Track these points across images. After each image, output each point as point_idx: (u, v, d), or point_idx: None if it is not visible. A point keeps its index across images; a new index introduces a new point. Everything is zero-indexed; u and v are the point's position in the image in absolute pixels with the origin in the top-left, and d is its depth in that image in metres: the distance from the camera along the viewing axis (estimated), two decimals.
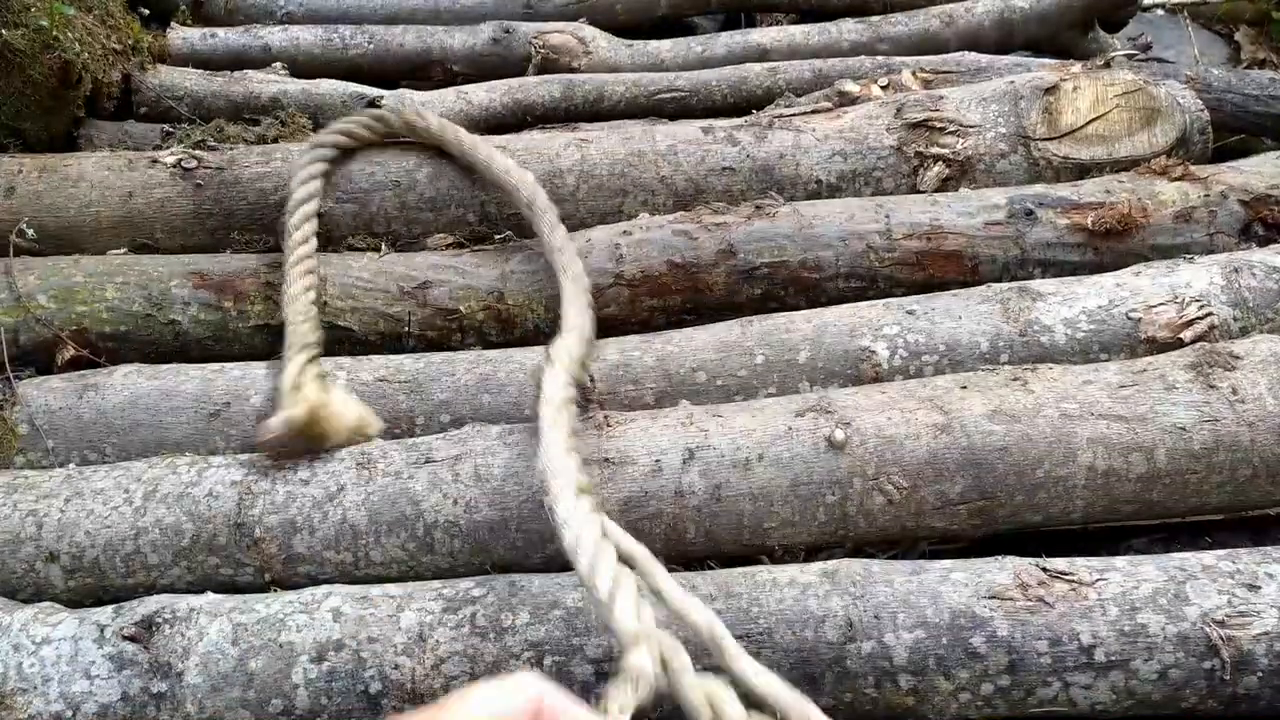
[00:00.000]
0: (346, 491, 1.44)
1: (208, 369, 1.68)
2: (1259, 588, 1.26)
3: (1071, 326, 1.63)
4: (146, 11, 2.84)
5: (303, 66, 2.68)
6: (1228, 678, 1.23)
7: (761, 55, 2.77)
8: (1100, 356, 1.61)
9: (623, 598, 1.05)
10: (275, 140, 2.26)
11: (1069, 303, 1.65)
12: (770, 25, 3.09)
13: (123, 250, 1.96)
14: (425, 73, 2.81)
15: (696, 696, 0.96)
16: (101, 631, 1.30)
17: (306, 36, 2.77)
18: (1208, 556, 1.32)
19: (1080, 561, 1.32)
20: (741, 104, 2.52)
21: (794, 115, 2.12)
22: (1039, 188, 1.91)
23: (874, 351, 1.63)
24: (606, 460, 1.43)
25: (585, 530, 1.14)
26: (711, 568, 1.44)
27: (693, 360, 1.65)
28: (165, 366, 1.69)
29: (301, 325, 1.63)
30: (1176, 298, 1.64)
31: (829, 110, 2.16)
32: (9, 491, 1.47)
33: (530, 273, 1.82)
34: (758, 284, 1.82)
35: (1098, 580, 1.28)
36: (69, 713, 1.26)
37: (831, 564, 1.34)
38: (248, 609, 1.32)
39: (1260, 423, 1.41)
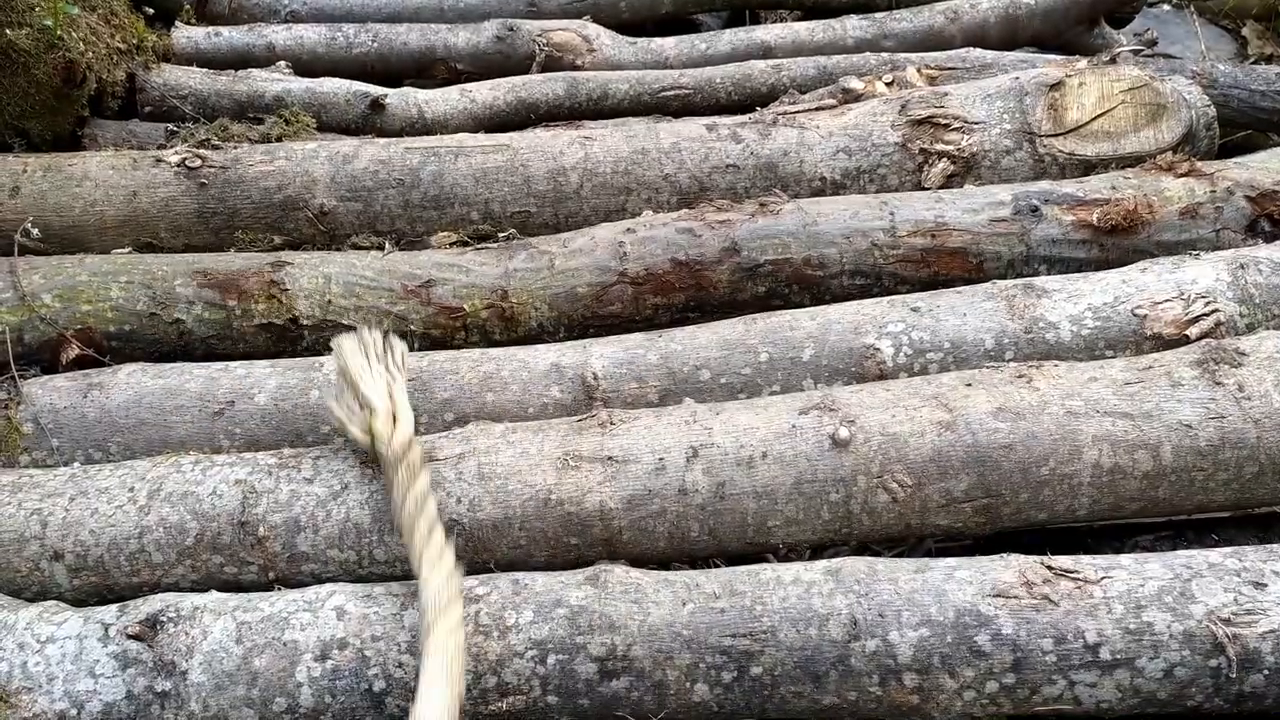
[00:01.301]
0: (350, 490, 1.44)
1: (212, 368, 1.68)
2: (1265, 585, 1.26)
3: (1077, 323, 1.62)
4: (151, 10, 2.85)
5: (307, 65, 2.68)
6: (1234, 675, 1.23)
7: (766, 52, 2.77)
8: (1106, 353, 1.61)
9: None
10: (279, 139, 2.26)
11: (1074, 299, 1.64)
12: (774, 22, 3.09)
13: (127, 249, 1.97)
14: (429, 71, 2.81)
15: None
16: (106, 630, 1.30)
17: (311, 35, 2.77)
18: (1214, 554, 1.31)
19: (1086, 559, 1.32)
20: (746, 101, 2.52)
21: (798, 112, 2.12)
22: (1044, 184, 1.90)
23: (878, 349, 1.63)
24: (610, 459, 1.43)
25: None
26: (717, 566, 1.44)
27: (696, 358, 1.65)
28: (169, 365, 1.70)
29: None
30: (1182, 294, 1.63)
31: (833, 107, 2.16)
32: (14, 490, 1.47)
33: (534, 271, 1.82)
34: (762, 281, 1.82)
35: (1103, 578, 1.28)
36: (73, 711, 1.26)
37: (836, 562, 1.34)
38: (251, 607, 1.32)
39: (1266, 419, 1.40)
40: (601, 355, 1.66)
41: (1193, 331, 1.60)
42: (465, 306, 1.81)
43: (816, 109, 2.15)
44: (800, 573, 1.32)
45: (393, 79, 2.73)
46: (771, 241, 1.81)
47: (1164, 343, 1.60)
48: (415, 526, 1.31)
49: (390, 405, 1.41)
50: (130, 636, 1.29)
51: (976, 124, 2.03)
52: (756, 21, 3.21)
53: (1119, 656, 1.24)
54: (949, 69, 2.44)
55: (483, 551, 1.43)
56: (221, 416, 1.62)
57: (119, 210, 1.98)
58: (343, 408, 1.46)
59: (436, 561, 1.27)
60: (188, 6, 2.87)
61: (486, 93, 2.51)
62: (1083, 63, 2.12)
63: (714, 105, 2.53)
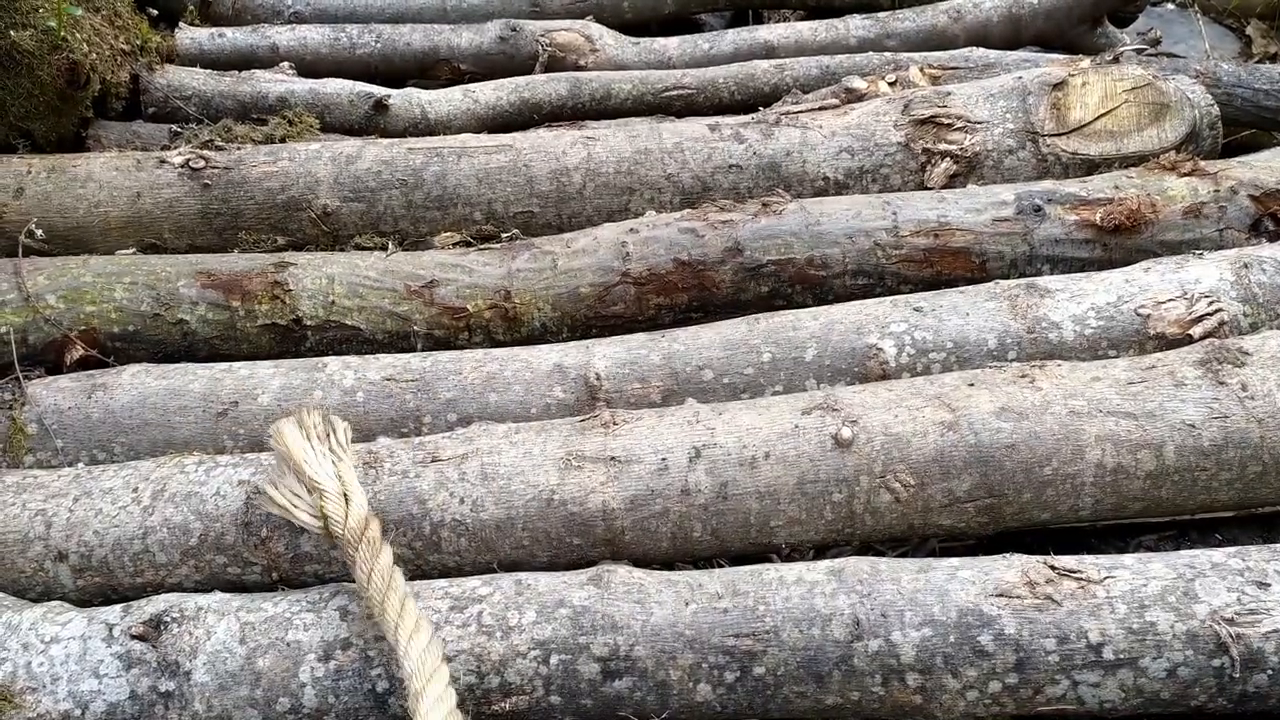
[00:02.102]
0: None
1: (215, 368, 1.68)
2: (1269, 585, 1.26)
3: (1080, 323, 1.62)
4: (154, 11, 2.85)
5: (310, 66, 2.68)
6: (1237, 675, 1.23)
7: (769, 52, 2.77)
8: (1109, 353, 1.61)
9: None
10: (283, 140, 2.26)
11: (1077, 299, 1.64)
12: (778, 22, 3.09)
13: (131, 250, 1.97)
14: (433, 71, 2.81)
15: None
16: (110, 630, 1.31)
17: (314, 36, 2.77)
18: (1217, 554, 1.31)
19: (1089, 559, 1.32)
20: (749, 101, 2.52)
21: (801, 112, 2.12)
22: (1047, 184, 1.90)
23: (881, 349, 1.63)
24: (612, 459, 1.43)
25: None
26: (720, 566, 1.44)
27: (699, 358, 1.65)
28: (173, 366, 1.70)
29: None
30: (1186, 294, 1.63)
31: (836, 107, 2.16)
32: (18, 491, 1.48)
33: (536, 271, 1.82)
34: (765, 281, 1.82)
35: (1106, 578, 1.27)
36: (77, 711, 1.26)
37: (838, 562, 1.34)
38: (255, 608, 1.32)
39: (1270, 419, 1.40)
40: (604, 355, 1.66)
41: (1196, 331, 1.60)
42: (468, 307, 1.81)
43: (819, 109, 2.15)
44: (803, 573, 1.32)
45: (396, 80, 2.73)
46: (774, 241, 1.81)
47: (1167, 342, 1.60)
48: (386, 601, 1.25)
49: (339, 485, 1.34)
50: (134, 637, 1.29)
51: (979, 123, 2.03)
52: (759, 21, 3.21)
53: (1122, 656, 1.24)
54: (952, 68, 2.44)
55: (485, 552, 1.43)
56: (225, 417, 1.62)
57: (123, 211, 1.98)
58: (283, 493, 1.36)
59: (414, 633, 1.22)
60: (191, 7, 2.87)
61: (490, 93, 2.51)
62: (1086, 62, 2.11)
63: (717, 105, 2.53)
